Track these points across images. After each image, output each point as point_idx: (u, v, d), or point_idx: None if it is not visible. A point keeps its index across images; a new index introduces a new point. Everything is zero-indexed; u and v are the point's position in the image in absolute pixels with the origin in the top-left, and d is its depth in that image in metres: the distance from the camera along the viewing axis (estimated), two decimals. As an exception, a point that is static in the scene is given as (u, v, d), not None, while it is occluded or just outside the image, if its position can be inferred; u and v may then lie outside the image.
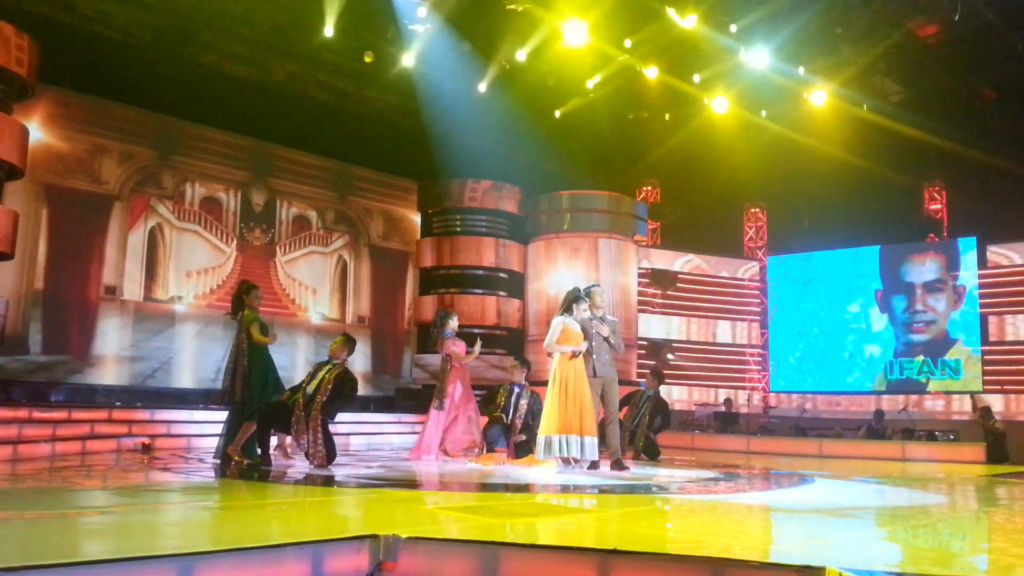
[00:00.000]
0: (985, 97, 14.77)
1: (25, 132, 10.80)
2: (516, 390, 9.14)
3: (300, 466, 7.84)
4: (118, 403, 11.39)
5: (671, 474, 8.07)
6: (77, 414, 9.85)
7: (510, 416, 8.99)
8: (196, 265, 13.51)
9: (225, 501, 5.65)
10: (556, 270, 16.02)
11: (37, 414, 9.19)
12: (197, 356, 13.18)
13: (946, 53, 13.65)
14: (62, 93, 12.19)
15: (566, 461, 7.74)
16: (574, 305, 7.85)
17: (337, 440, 11.82)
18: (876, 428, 14.49)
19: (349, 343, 8.18)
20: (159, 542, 3.86)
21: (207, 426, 10.79)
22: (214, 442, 10.25)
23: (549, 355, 7.90)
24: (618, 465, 7.93)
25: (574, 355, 7.69)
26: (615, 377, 8.20)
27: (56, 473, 6.76)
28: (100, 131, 12.62)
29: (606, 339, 8.00)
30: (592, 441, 7.61)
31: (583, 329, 7.92)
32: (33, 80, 10.82)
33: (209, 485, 6.40)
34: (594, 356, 7.93)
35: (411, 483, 6.71)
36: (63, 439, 8.80)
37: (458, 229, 16.13)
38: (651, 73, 14.12)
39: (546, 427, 7.64)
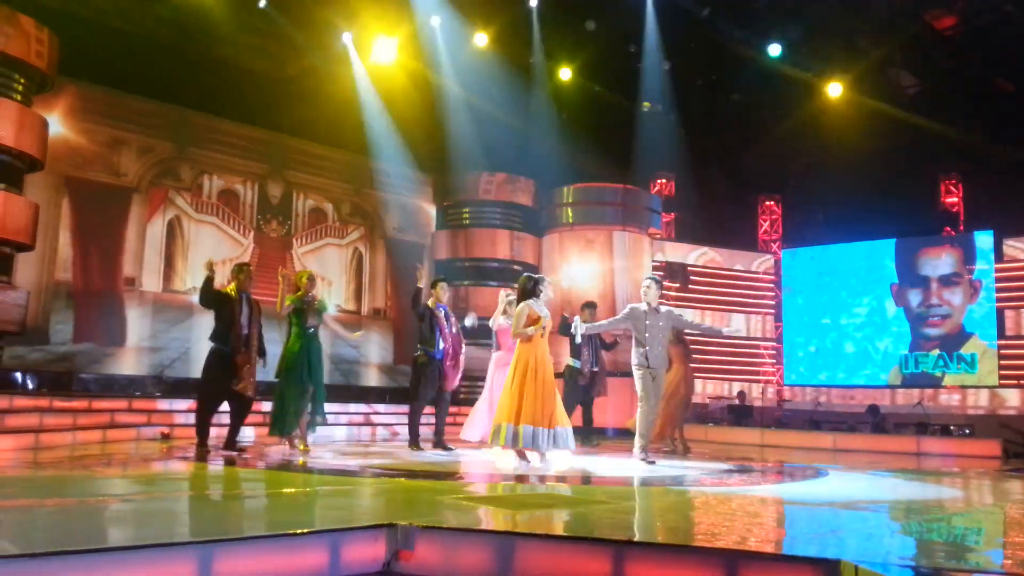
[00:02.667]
0: (1002, 89, 14.64)
1: (45, 124, 10.89)
2: (442, 310, 9.04)
3: (316, 457, 7.91)
4: (137, 393, 11.50)
5: (685, 466, 8.09)
6: (97, 404, 9.98)
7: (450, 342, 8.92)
8: (213, 256, 13.53)
9: (244, 490, 5.72)
10: (570, 262, 16.03)
11: (58, 403, 9.30)
12: (214, 347, 13.22)
13: (963, 45, 13.53)
14: (81, 86, 12.26)
15: (520, 454, 7.27)
16: (539, 288, 7.76)
17: (361, 431, 12.02)
18: (876, 423, 14.43)
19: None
20: (179, 530, 3.93)
21: (225, 416, 10.88)
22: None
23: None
24: (645, 456, 7.89)
25: (527, 336, 7.34)
26: (665, 366, 8.23)
27: (77, 461, 6.85)
28: (119, 124, 12.69)
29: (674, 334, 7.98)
30: (565, 431, 7.24)
31: (635, 320, 7.97)
32: (53, 73, 10.90)
33: (228, 474, 6.47)
34: (647, 348, 7.89)
35: (427, 473, 6.76)
36: (84, 428, 8.92)
37: (472, 222, 16.17)
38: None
39: (504, 414, 7.17)
